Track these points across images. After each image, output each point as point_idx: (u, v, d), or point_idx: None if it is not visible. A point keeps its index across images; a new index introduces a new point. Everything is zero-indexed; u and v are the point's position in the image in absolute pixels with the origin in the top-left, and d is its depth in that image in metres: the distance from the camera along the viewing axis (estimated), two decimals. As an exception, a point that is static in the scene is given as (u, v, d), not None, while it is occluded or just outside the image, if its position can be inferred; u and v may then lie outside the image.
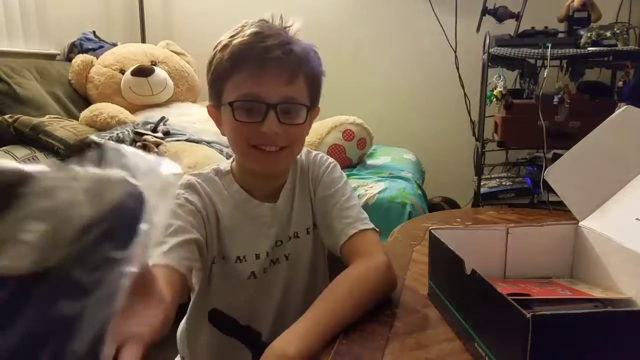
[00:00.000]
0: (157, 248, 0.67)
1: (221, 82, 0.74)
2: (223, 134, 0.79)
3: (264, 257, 0.81)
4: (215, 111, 0.79)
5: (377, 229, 0.81)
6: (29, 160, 1.68)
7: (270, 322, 0.83)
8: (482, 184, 1.86)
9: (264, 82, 0.71)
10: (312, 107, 0.78)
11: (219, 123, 0.79)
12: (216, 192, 0.79)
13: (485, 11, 1.82)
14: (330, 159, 0.87)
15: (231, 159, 0.84)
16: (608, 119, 0.75)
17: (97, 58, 2.32)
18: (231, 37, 0.74)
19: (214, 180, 0.80)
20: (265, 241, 0.81)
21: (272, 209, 0.81)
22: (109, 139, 1.83)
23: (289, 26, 0.77)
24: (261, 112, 0.71)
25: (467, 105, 2.24)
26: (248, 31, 0.73)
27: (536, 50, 1.63)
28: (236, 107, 0.72)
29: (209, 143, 2.01)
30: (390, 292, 0.73)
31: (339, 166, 0.87)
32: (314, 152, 0.88)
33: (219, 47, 0.75)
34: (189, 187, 0.77)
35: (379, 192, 1.62)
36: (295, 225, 0.83)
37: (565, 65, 1.72)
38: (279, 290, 0.83)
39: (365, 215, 0.81)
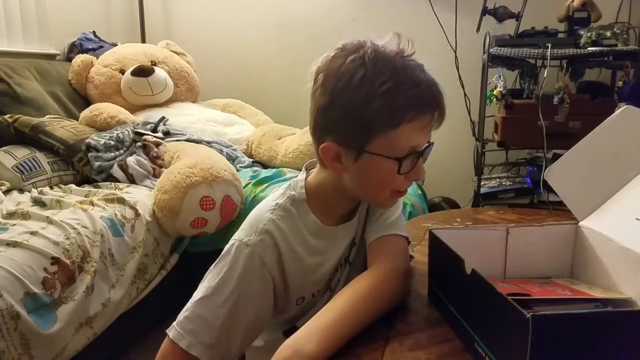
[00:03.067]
0: (206, 326, 0.66)
1: (377, 129, 0.64)
2: (319, 165, 0.72)
3: (335, 283, 0.79)
4: (339, 150, 0.67)
5: (410, 241, 0.79)
6: (29, 160, 1.68)
7: None
8: (482, 184, 1.86)
9: (429, 131, 0.67)
10: None
11: (335, 160, 0.68)
12: (293, 230, 0.72)
13: (485, 11, 1.82)
14: None
15: (301, 182, 0.76)
16: (608, 119, 0.74)
17: (97, 58, 2.32)
18: (389, 80, 0.63)
19: (291, 213, 0.73)
20: (331, 265, 0.77)
21: (348, 228, 0.78)
22: (108, 139, 1.83)
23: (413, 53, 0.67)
24: (415, 159, 0.68)
25: (467, 105, 2.24)
26: (410, 73, 0.64)
27: (536, 50, 1.63)
28: (404, 163, 0.66)
29: (209, 143, 2.01)
30: (402, 300, 0.72)
31: None
32: None
33: (374, 92, 0.63)
34: (266, 235, 0.70)
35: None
36: (357, 232, 0.81)
37: (565, 65, 1.72)
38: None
39: (404, 223, 0.81)
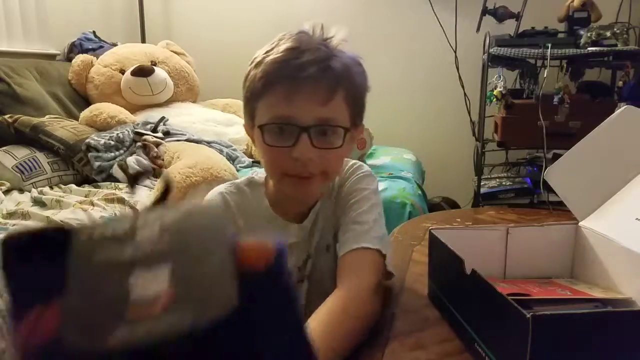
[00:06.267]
0: None
1: (254, 102, 0.69)
2: (257, 156, 0.76)
3: None
4: (250, 131, 0.73)
5: (384, 253, 0.70)
6: (29, 160, 1.68)
7: None
8: (482, 184, 1.86)
9: (297, 103, 0.65)
10: (353, 127, 0.72)
11: (254, 144, 0.74)
12: (240, 208, 0.74)
13: (485, 11, 1.83)
14: (363, 169, 0.79)
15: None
16: (608, 119, 0.75)
17: (97, 58, 2.32)
18: (266, 52, 0.68)
19: (243, 192, 0.76)
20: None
21: (298, 229, 0.76)
22: (108, 139, 1.83)
23: (330, 37, 0.69)
24: (293, 135, 0.65)
25: (467, 105, 2.24)
26: (283, 46, 0.66)
27: (536, 50, 1.63)
28: (266, 130, 0.67)
29: (209, 143, 2.01)
30: (372, 323, 0.65)
31: (372, 177, 0.79)
32: (353, 163, 0.80)
33: (253, 64, 0.69)
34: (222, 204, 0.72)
35: (380, 192, 1.62)
36: (316, 244, 0.76)
37: (565, 65, 1.72)
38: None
39: (380, 234, 0.72)
